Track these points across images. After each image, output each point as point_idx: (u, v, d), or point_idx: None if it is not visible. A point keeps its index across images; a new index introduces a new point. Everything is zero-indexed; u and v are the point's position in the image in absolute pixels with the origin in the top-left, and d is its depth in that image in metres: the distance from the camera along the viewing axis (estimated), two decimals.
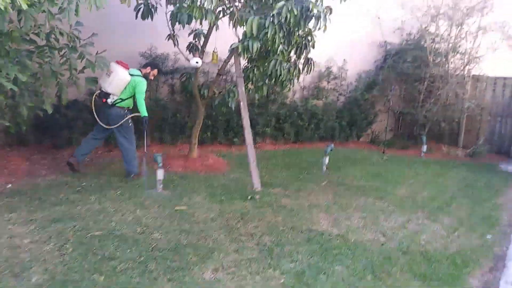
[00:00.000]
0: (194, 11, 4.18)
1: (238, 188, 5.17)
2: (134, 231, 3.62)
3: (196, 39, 6.11)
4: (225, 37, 6.09)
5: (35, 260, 2.99)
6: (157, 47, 7.12)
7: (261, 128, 8.17)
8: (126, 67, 5.13)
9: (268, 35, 4.13)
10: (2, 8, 3.38)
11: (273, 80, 4.81)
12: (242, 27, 5.08)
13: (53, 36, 4.64)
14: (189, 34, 5.93)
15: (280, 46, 4.32)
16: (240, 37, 5.49)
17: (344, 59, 9.27)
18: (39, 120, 6.19)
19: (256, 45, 4.25)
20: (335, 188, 5.63)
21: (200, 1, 4.12)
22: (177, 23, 5.54)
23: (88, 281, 2.75)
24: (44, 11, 3.80)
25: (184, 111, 7.51)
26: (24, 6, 3.47)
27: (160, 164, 4.80)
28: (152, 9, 5.66)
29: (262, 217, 4.21)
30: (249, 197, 4.81)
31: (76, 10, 3.81)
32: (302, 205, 4.75)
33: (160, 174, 4.79)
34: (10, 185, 4.67)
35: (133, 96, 5.17)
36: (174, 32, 5.89)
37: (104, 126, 5.13)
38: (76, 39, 4.80)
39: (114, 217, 3.90)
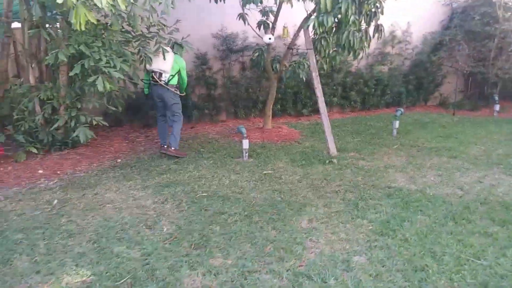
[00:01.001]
0: None
1: (315, 154, 5.59)
2: (233, 192, 4.19)
3: (266, 17, 6.47)
4: (291, 12, 6.43)
5: (160, 215, 3.65)
6: (226, 27, 7.59)
7: (328, 97, 8.45)
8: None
9: (342, 9, 4.42)
10: (108, 10, 3.96)
11: (346, 50, 5.07)
12: (311, 1, 5.39)
13: (145, 26, 5.26)
14: (261, 12, 6.30)
15: (352, 17, 4.58)
16: (308, 11, 5.81)
17: (408, 22, 9.18)
18: (130, 102, 6.98)
19: (331, 20, 4.55)
20: (407, 150, 5.86)
21: None
22: (247, 2, 5.99)
23: (208, 230, 3.33)
24: (146, 9, 4.37)
25: (254, 86, 7.98)
26: (123, 7, 4.03)
27: (245, 135, 5.32)
28: None
29: (343, 178, 4.62)
30: (327, 161, 5.21)
31: (172, 3, 4.34)
32: (378, 166, 5.08)
33: (245, 143, 5.32)
34: (119, 160, 5.44)
35: (177, 74, 5.46)
36: (244, 11, 6.31)
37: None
38: (163, 27, 5.40)
39: (214, 182, 4.50)
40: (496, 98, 8.81)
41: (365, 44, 5.12)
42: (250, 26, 6.46)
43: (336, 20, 4.90)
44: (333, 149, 5.62)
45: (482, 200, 3.93)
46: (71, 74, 4.73)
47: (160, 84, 5.29)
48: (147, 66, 5.29)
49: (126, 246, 3.08)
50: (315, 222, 3.49)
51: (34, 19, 4.85)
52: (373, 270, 2.72)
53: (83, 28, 3.73)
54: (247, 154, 5.38)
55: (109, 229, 3.37)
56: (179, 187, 4.33)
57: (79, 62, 4.69)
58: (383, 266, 2.77)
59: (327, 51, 6.12)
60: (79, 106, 5.28)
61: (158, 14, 4.81)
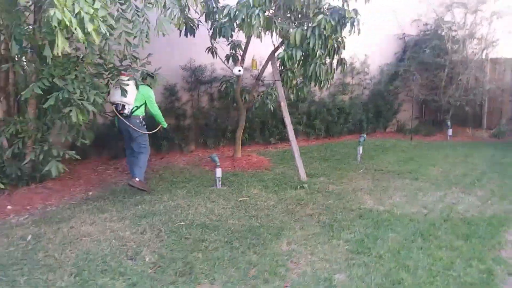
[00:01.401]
0: (244, 28, 4.79)
1: (286, 180, 5.77)
2: (211, 219, 4.26)
3: (233, 50, 6.74)
4: (258, 45, 6.72)
5: (141, 245, 3.65)
6: (195, 59, 7.79)
7: (294, 126, 8.67)
8: (130, 76, 5.27)
9: (310, 44, 4.75)
10: (82, 42, 4.04)
11: (313, 81, 5.39)
12: (277, 35, 5.70)
13: (117, 58, 5.36)
14: (230, 46, 6.57)
15: (318, 51, 4.92)
16: (276, 45, 6.12)
17: (366, 54, 9.76)
18: (97, 135, 6.92)
19: (300, 53, 4.87)
20: (372, 174, 6.18)
21: (248, 19, 4.70)
22: (217, 37, 6.24)
23: (191, 257, 3.38)
24: (119, 43, 4.49)
25: (223, 116, 8.16)
26: (97, 41, 4.12)
27: (218, 164, 5.43)
28: (194, 27, 6.30)
29: (316, 201, 4.81)
30: (298, 187, 5.40)
31: (147, 37, 4.49)
32: (347, 189, 5.33)
33: (218, 172, 5.42)
34: (91, 193, 5.37)
35: (144, 105, 5.38)
36: (213, 45, 6.56)
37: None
38: (136, 60, 5.51)
39: (190, 210, 4.55)
40: (449, 123, 9.47)
41: (330, 75, 5.45)
42: (220, 58, 6.70)
43: (303, 53, 5.22)
44: (303, 175, 5.83)
45: (445, 217, 4.23)
46: (45, 106, 4.71)
47: (124, 117, 5.21)
48: (110, 98, 5.24)
49: (110, 278, 3.07)
50: (294, 245, 3.63)
51: (11, 55, 4.83)
52: (354, 286, 2.87)
53: (59, 53, 3.69)
54: (220, 183, 5.48)
55: (90, 262, 3.34)
56: (156, 217, 4.35)
57: (52, 95, 4.68)
58: (362, 282, 2.93)
59: (293, 82, 6.49)
60: (50, 140, 5.22)
61: (130, 47, 4.92)
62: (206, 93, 8.14)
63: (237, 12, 4.73)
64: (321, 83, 5.46)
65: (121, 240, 3.79)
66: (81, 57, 5.23)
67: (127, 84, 5.11)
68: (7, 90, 5.44)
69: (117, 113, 5.20)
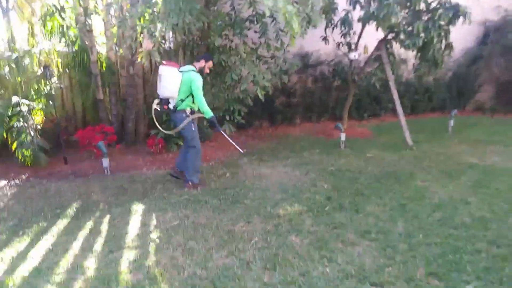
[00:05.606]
0: (382, 22, 6.08)
1: (395, 145, 7.10)
2: (353, 167, 5.70)
3: (347, 38, 8.04)
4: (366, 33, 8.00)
5: (313, 180, 5.16)
6: (304, 47, 9.20)
7: (385, 103, 10.01)
8: (175, 65, 4.81)
9: (431, 33, 6.01)
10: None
11: (431, 63, 6.67)
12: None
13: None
14: (342, 34, 7.90)
15: (435, 39, 6.17)
16: (385, 33, 7.38)
17: None
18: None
19: (421, 41, 6.15)
20: (466, 142, 7.34)
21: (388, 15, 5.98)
22: (334, 27, 7.61)
23: (356, 186, 4.84)
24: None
25: (325, 95, 9.56)
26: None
27: (342, 130, 6.85)
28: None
29: (429, 158, 6.12)
30: (408, 149, 6.72)
31: (305, 31, 5.95)
32: (450, 152, 6.57)
33: (343, 136, 6.85)
34: (245, 150, 6.93)
35: (192, 95, 4.77)
36: (331, 34, 7.92)
37: (166, 131, 5.28)
38: (279, 49, 7.01)
39: (332, 162, 6.02)
40: None
41: (444, 56, 6.70)
42: (336, 44, 8.02)
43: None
44: (410, 141, 7.12)
45: None
46: (228, 82, 6.34)
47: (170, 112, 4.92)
48: (157, 91, 4.87)
49: (311, 193, 4.59)
50: (427, 182, 5.00)
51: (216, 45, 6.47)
52: (486, 203, 4.22)
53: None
54: (343, 145, 6.90)
55: (289, 187, 4.89)
56: (309, 165, 5.85)
57: (227, 74, 6.29)
58: (490, 201, 4.26)
59: (395, 65, 7.75)
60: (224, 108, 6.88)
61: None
62: (311, 75, 9.56)
63: (379, 11, 5.99)
64: (437, 65, 6.72)
65: (296, 177, 5.33)
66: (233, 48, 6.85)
67: (168, 77, 4.67)
68: None
69: (163, 106, 4.85)
